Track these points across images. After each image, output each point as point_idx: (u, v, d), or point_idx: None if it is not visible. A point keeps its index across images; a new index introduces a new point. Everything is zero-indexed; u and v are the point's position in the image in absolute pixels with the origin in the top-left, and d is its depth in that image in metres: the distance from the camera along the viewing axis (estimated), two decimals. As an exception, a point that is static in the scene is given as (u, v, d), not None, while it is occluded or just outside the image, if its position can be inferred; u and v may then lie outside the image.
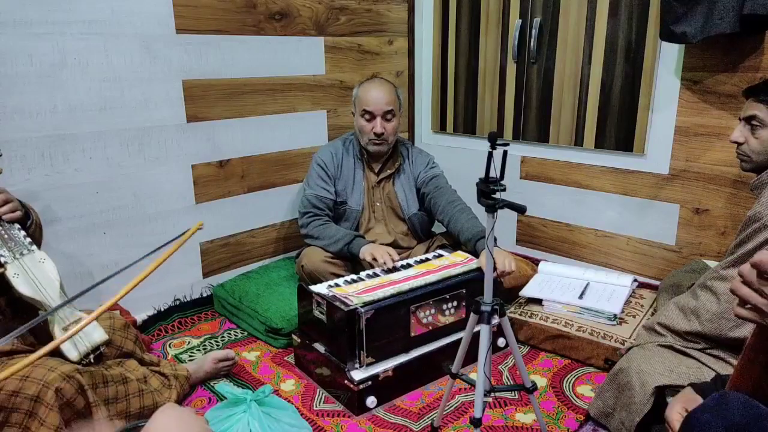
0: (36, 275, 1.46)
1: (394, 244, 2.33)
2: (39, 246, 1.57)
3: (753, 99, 1.58)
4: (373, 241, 2.26)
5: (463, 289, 1.96)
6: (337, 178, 2.31)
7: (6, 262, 1.44)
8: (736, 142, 1.63)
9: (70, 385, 1.32)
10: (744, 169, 1.65)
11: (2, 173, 1.61)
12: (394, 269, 2.03)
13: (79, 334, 1.49)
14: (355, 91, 2.30)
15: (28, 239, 1.51)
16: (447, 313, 1.94)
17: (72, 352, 1.45)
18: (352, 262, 2.18)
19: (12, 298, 1.46)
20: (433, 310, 1.90)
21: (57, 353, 1.45)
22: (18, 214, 1.52)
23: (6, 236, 1.47)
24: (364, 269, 2.07)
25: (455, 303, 1.95)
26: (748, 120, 1.58)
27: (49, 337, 1.45)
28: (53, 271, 1.50)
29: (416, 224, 2.36)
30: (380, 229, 2.35)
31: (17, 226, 1.51)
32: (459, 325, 1.96)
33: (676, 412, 1.18)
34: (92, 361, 1.50)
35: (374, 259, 2.03)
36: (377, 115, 2.20)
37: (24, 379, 1.28)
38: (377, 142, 2.23)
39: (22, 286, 1.43)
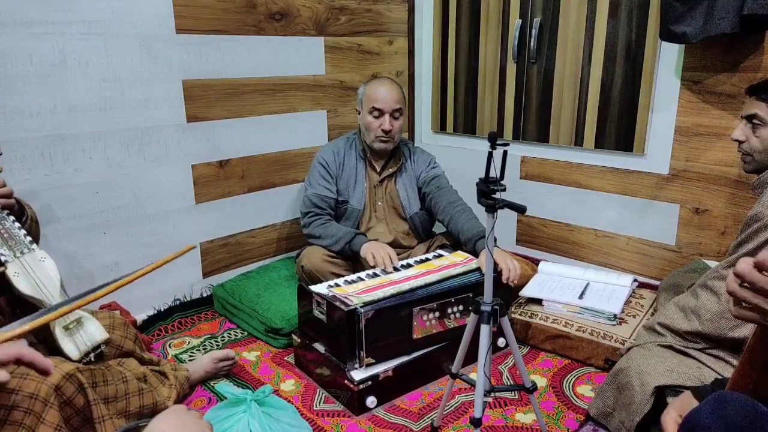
0: (36, 274, 1.46)
1: (394, 243, 2.33)
2: (37, 242, 1.57)
3: (755, 97, 1.58)
4: (376, 239, 2.27)
5: (470, 293, 1.93)
6: (339, 177, 2.31)
7: (6, 261, 1.44)
8: (737, 140, 1.63)
9: (70, 384, 1.32)
10: (746, 170, 1.65)
11: (2, 171, 1.61)
12: (394, 269, 2.03)
13: (80, 332, 1.50)
14: (362, 89, 2.30)
15: (29, 238, 1.51)
16: (452, 317, 1.92)
17: (73, 350, 1.45)
18: (353, 261, 2.18)
19: (12, 297, 1.46)
20: (437, 314, 1.88)
21: (58, 352, 1.45)
22: (12, 201, 1.51)
23: (6, 235, 1.47)
24: (365, 268, 2.07)
25: (461, 307, 1.93)
26: (750, 118, 1.58)
27: (50, 336, 1.45)
28: (53, 270, 1.50)
29: (417, 224, 2.36)
30: (381, 228, 2.35)
31: (17, 224, 1.51)
32: (463, 330, 1.94)
33: (671, 417, 1.18)
34: (93, 359, 1.50)
35: (374, 258, 2.04)
36: (386, 112, 2.20)
37: (24, 377, 1.28)
38: (384, 139, 2.23)
39: (22, 284, 1.43)
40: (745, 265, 0.75)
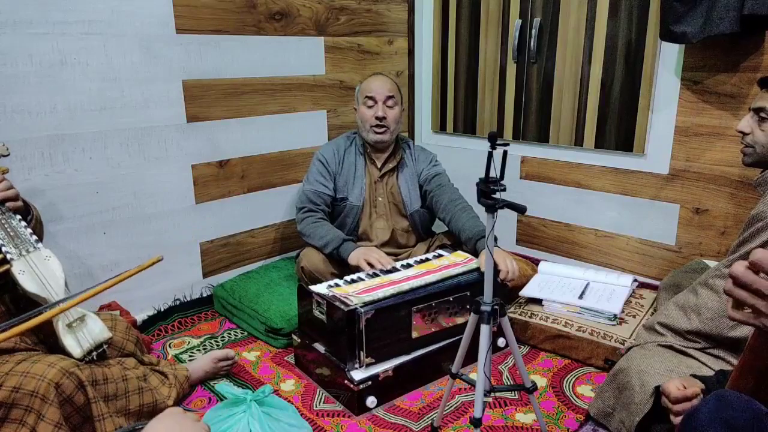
0: (42, 272, 1.46)
1: (393, 240, 2.33)
2: (41, 240, 1.58)
3: (765, 90, 1.56)
4: (369, 239, 2.27)
5: (467, 292, 1.94)
6: (338, 174, 2.31)
7: (12, 259, 1.44)
8: (741, 132, 1.61)
9: (70, 381, 1.32)
10: (745, 163, 1.64)
11: (8, 172, 1.61)
12: (393, 270, 2.02)
13: (84, 331, 1.49)
14: (358, 87, 2.35)
15: (34, 237, 1.52)
16: (450, 315, 1.93)
17: (76, 349, 1.45)
18: (341, 264, 2.17)
19: (17, 295, 1.46)
20: (436, 313, 1.89)
21: (60, 350, 1.45)
22: (19, 203, 1.52)
23: (12, 233, 1.47)
24: (353, 272, 2.06)
25: (459, 306, 1.94)
26: (757, 111, 1.57)
27: (54, 335, 1.45)
28: (59, 269, 1.50)
29: (417, 221, 2.36)
30: (381, 225, 2.35)
31: (23, 223, 1.51)
32: (462, 329, 1.95)
33: (674, 384, 1.17)
34: (95, 358, 1.50)
35: (369, 265, 2.03)
36: (379, 100, 2.24)
37: (24, 374, 1.28)
38: (378, 130, 2.24)
39: (27, 283, 1.43)
40: (739, 266, 0.73)
